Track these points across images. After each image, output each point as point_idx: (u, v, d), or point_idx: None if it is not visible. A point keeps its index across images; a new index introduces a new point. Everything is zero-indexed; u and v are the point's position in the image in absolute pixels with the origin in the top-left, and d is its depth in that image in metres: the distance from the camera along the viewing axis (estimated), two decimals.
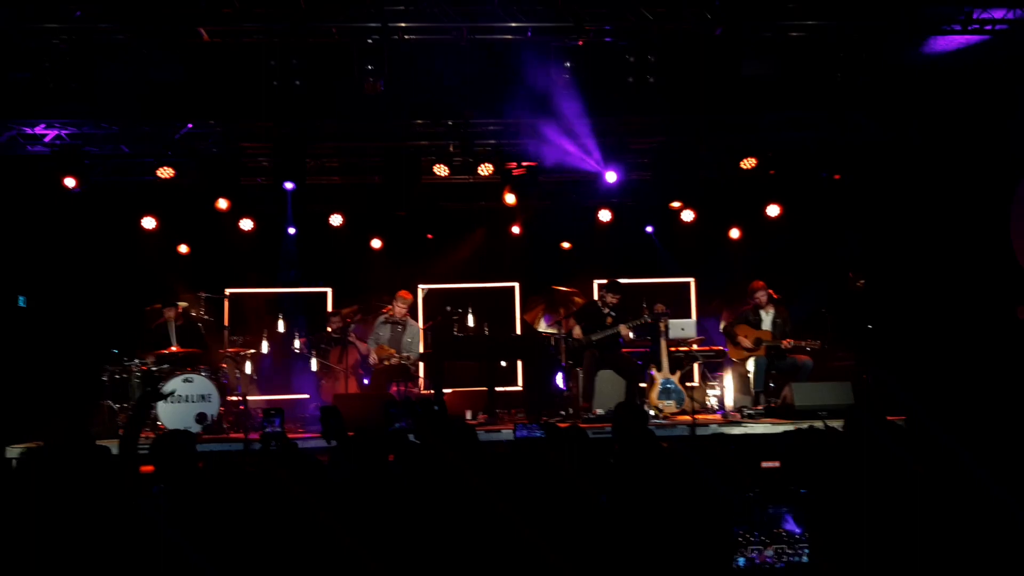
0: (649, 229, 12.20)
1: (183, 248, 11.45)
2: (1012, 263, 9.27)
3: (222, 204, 10.38)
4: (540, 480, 3.87)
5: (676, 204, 10.78)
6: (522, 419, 9.41)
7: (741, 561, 1.94)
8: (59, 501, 3.37)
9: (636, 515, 3.24)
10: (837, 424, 5.23)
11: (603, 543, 3.17)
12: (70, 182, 9.96)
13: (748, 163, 10.54)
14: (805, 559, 1.95)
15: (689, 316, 11.91)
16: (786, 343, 9.51)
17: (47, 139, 9.92)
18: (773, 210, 11.31)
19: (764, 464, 2.06)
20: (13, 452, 7.43)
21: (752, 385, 9.61)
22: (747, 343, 9.74)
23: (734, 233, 12.02)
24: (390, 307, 10.25)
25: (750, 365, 9.66)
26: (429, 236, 12.07)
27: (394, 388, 9.80)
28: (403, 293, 10.31)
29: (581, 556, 3.06)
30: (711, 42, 8.08)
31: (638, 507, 3.28)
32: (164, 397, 8.33)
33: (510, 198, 10.75)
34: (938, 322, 9.70)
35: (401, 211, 10.60)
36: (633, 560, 3.13)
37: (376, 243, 12.10)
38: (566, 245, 12.18)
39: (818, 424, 3.94)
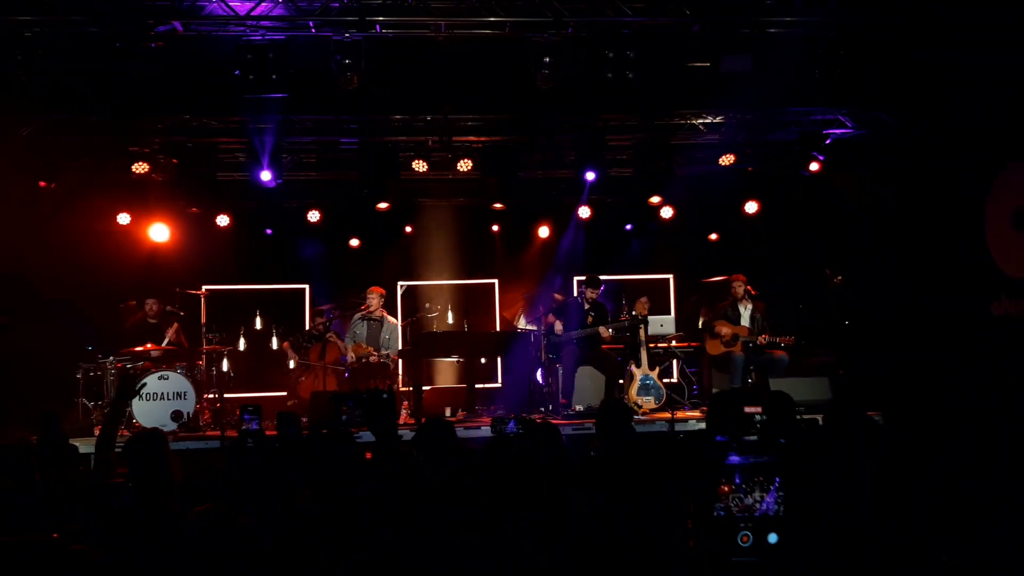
0: (628, 227, 12.19)
1: (159, 243, 11.32)
2: (987, 260, 9.35)
3: (195, 209, 10.31)
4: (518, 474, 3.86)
5: (655, 199, 10.74)
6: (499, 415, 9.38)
7: (720, 510, 1.96)
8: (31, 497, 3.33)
9: (622, 509, 3.23)
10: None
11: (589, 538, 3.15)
12: (44, 177, 9.84)
13: (727, 160, 10.56)
14: (779, 508, 1.96)
15: (668, 312, 11.95)
16: (762, 339, 9.55)
17: (21, 133, 9.75)
18: (751, 207, 11.36)
19: (747, 409, 2.08)
20: None
21: (731, 381, 9.64)
22: (725, 338, 9.77)
23: (713, 231, 12.03)
24: (367, 304, 10.19)
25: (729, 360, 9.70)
26: (409, 229, 11.99)
27: (372, 385, 9.74)
28: (375, 288, 10.25)
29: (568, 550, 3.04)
30: (690, 38, 8.09)
31: (624, 500, 3.27)
32: (137, 393, 8.25)
33: (497, 205, 10.71)
34: (914, 318, 9.77)
35: (380, 204, 10.50)
36: (623, 552, 3.11)
37: (354, 240, 12.04)
38: (544, 234, 12.07)
39: None
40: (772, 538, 1.93)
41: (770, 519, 1.93)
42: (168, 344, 9.51)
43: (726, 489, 1.92)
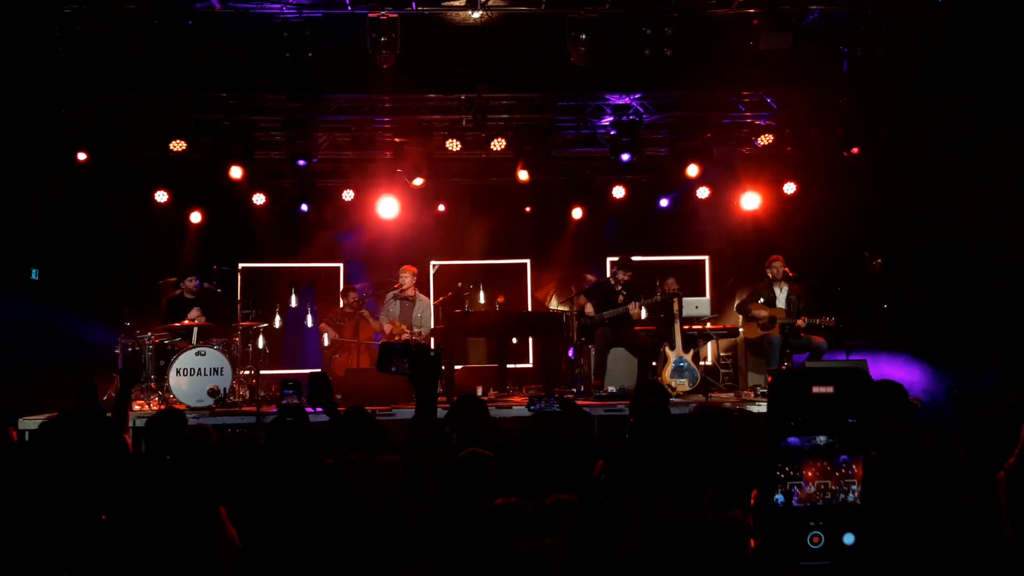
0: (664, 203, 12.00)
1: (196, 221, 11.41)
2: None
3: (235, 173, 10.30)
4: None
5: (693, 172, 10.51)
6: (535, 392, 9.37)
7: (779, 498, 1.74)
8: (74, 469, 3.39)
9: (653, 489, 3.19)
10: None
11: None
12: (83, 155, 9.94)
13: (766, 139, 10.39)
14: (853, 496, 1.72)
15: (703, 294, 11.82)
16: (801, 321, 9.42)
17: (60, 110, 9.85)
18: (789, 187, 11.17)
19: (816, 389, 1.85)
20: (28, 424, 7.42)
21: (767, 363, 9.54)
22: (762, 321, 9.65)
23: (749, 206, 11.72)
24: (400, 283, 10.22)
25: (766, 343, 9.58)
26: (442, 208, 11.93)
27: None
28: (408, 267, 10.27)
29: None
30: (729, 15, 7.96)
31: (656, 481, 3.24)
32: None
33: (523, 175, 10.63)
34: (955, 302, 9.61)
35: (416, 180, 10.47)
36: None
37: (387, 218, 12.01)
38: (577, 214, 11.94)
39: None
40: (848, 539, 1.71)
41: (845, 516, 1.71)
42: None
43: (782, 476, 1.70)
